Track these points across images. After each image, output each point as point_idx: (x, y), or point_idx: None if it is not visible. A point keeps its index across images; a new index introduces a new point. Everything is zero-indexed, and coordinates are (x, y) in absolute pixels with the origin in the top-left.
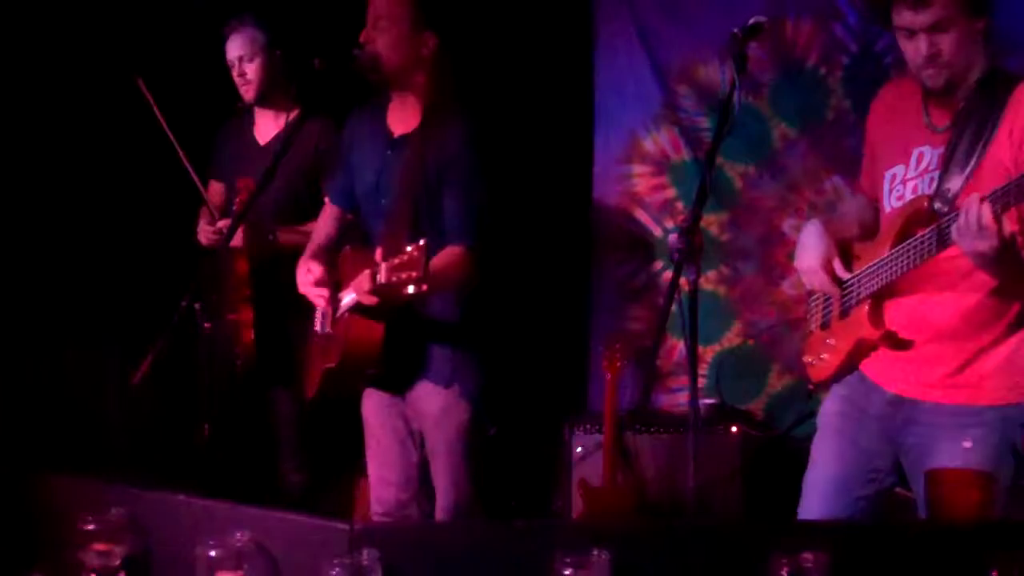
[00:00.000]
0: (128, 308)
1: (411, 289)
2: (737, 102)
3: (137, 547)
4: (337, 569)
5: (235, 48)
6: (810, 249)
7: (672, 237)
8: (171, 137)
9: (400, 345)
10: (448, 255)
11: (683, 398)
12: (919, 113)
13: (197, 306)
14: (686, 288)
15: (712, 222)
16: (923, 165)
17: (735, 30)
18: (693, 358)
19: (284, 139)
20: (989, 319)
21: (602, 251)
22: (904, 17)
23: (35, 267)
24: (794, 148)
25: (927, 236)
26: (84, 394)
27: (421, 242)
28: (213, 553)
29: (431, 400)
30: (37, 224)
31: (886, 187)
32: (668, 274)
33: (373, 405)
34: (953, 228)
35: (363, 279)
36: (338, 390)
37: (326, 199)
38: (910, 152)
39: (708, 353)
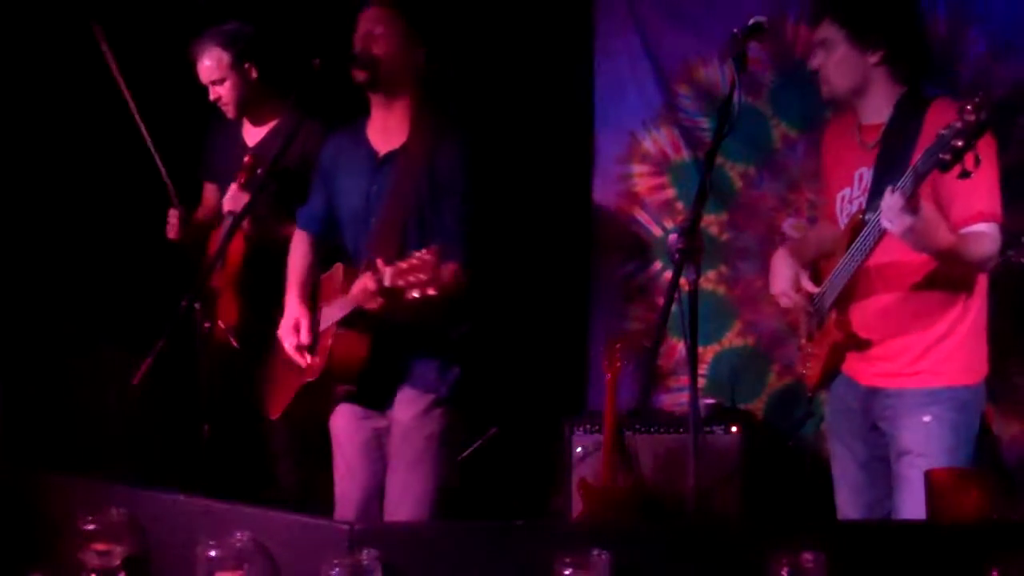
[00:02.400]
0: (128, 308)
1: (416, 293)
2: (737, 102)
3: (137, 547)
4: (337, 569)
5: (205, 72)
6: (780, 273)
7: (672, 237)
8: (142, 127)
9: (385, 359)
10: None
11: (683, 398)
12: (854, 136)
13: (197, 306)
14: (686, 288)
15: (712, 222)
16: (864, 184)
17: (735, 30)
18: (693, 358)
19: (282, 144)
20: (938, 312)
21: (602, 251)
22: (812, 33)
23: (35, 268)
24: (794, 148)
25: (863, 235)
26: (84, 394)
27: (433, 248)
28: (213, 553)
29: (406, 407)
30: (37, 224)
31: (838, 207)
32: (668, 274)
33: (343, 417)
34: (882, 219)
35: (366, 281)
36: (309, 407)
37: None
38: (852, 174)
39: (708, 353)
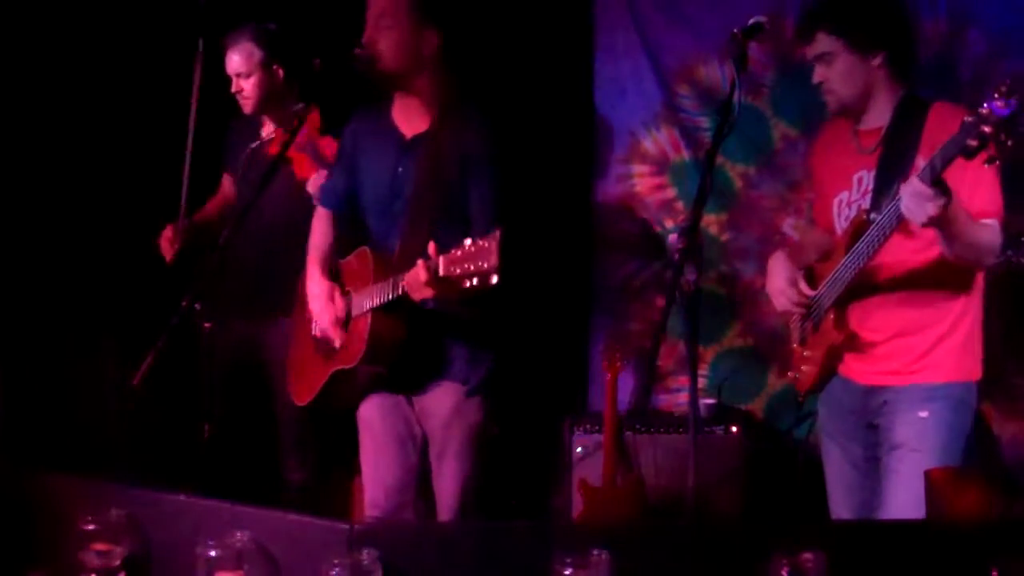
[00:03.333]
0: (128, 308)
1: (475, 281)
2: (737, 102)
3: (137, 547)
4: (337, 569)
5: (233, 64)
6: (777, 274)
7: (672, 237)
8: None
9: (421, 345)
10: None
11: (683, 398)
12: (850, 141)
13: (197, 306)
14: (686, 288)
15: (712, 222)
16: (864, 187)
17: (735, 30)
18: (693, 358)
19: (283, 141)
20: (940, 311)
21: (602, 251)
22: (803, 52)
23: (35, 267)
24: (794, 148)
25: (870, 234)
26: (84, 394)
27: (495, 233)
28: (213, 553)
29: (444, 400)
30: (37, 223)
31: (835, 211)
32: (668, 274)
33: (373, 405)
34: (903, 209)
35: (418, 272)
36: (341, 394)
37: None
38: (851, 177)
39: (708, 353)
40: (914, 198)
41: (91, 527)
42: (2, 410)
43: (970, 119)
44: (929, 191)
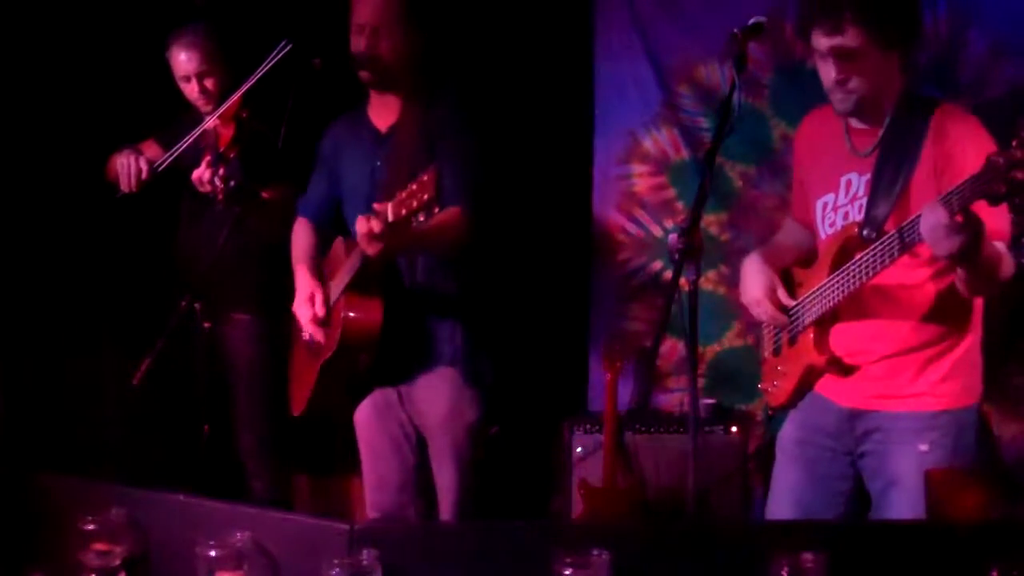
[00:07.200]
0: (127, 309)
1: (422, 216)
2: (737, 102)
3: (137, 547)
4: (337, 569)
5: (191, 63)
6: (753, 281)
7: (672, 237)
8: None
9: (400, 321)
10: (444, 214)
11: (683, 398)
12: (842, 140)
13: (197, 306)
14: (686, 288)
15: (712, 222)
16: (852, 192)
17: (735, 30)
18: (693, 358)
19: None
20: (932, 337)
21: (602, 251)
22: (819, 40)
23: (35, 268)
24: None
25: (870, 256)
26: (84, 394)
27: (430, 169)
28: (213, 553)
29: (438, 400)
30: (37, 224)
31: (818, 215)
32: (668, 274)
33: (368, 409)
34: (924, 233)
35: (370, 224)
36: (333, 392)
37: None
38: (838, 180)
39: (708, 353)
40: (936, 229)
41: (91, 527)
42: (2, 410)
43: (999, 160)
44: (954, 223)
